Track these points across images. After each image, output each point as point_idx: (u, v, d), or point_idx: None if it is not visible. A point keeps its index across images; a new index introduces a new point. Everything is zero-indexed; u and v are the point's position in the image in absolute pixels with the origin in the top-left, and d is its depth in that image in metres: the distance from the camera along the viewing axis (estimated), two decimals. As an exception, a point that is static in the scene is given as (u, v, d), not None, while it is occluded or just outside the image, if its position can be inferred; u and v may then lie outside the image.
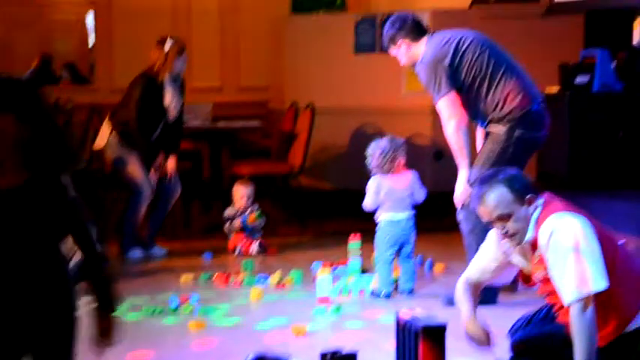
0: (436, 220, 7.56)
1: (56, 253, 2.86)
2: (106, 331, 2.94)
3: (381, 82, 8.56)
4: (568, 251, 3.70)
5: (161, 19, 10.16)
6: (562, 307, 3.83)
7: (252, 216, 7.30)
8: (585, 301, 3.69)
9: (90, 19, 11.45)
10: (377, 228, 5.93)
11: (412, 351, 4.02)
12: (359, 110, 8.61)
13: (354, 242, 6.27)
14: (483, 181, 3.91)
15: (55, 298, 2.85)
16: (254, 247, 7.21)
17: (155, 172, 7.15)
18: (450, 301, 4.88)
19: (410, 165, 5.99)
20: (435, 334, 3.99)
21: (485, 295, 5.09)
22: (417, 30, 5.55)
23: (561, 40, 8.38)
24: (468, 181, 5.38)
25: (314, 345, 4.77)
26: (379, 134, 6.66)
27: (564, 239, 3.72)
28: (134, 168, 7.11)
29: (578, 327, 3.70)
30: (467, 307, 4.10)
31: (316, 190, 8.67)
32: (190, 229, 8.33)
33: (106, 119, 7.34)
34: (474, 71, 5.42)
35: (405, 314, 4.17)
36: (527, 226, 3.83)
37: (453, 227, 5.84)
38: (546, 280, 3.84)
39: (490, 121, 5.46)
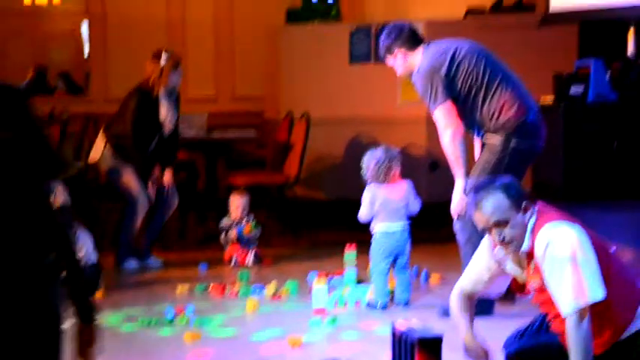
0: (432, 231, 7.57)
1: (39, 267, 2.76)
2: (87, 343, 2.85)
3: (376, 92, 8.57)
4: (565, 262, 3.71)
5: (156, 30, 10.18)
6: (556, 315, 3.83)
7: (248, 227, 7.30)
8: (582, 312, 3.69)
9: (85, 29, 11.46)
10: (372, 239, 5.93)
11: (408, 362, 4.03)
12: (354, 120, 8.62)
13: (350, 253, 6.27)
14: (479, 188, 3.91)
15: (35, 319, 2.75)
16: (250, 257, 7.21)
17: (152, 185, 7.14)
18: (446, 312, 4.88)
19: (405, 175, 6.00)
20: (431, 346, 3.99)
21: (482, 306, 5.10)
22: (413, 40, 5.56)
23: (556, 51, 8.41)
24: (465, 191, 5.39)
25: (310, 356, 4.77)
26: (374, 144, 6.67)
27: (561, 249, 3.72)
28: (129, 179, 7.11)
29: (574, 338, 3.71)
30: (464, 322, 4.10)
31: (312, 200, 8.67)
32: (186, 239, 8.33)
33: (101, 132, 7.33)
34: (469, 81, 5.43)
35: (401, 325, 4.18)
36: (524, 233, 3.83)
37: (449, 238, 5.85)
38: (542, 289, 3.84)
39: (486, 131, 5.47)
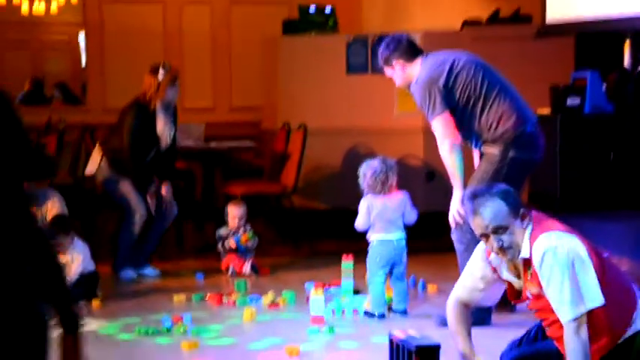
0: (428, 241, 7.58)
1: (19, 275, 2.64)
2: (72, 353, 2.76)
3: (373, 102, 8.59)
4: (563, 270, 3.72)
5: (153, 40, 10.21)
6: (553, 322, 3.85)
7: (245, 236, 7.30)
8: (580, 320, 3.71)
9: (82, 40, 11.49)
10: (369, 248, 5.94)
11: (406, 371, 4.03)
12: (351, 131, 8.64)
13: (347, 263, 6.28)
14: (477, 194, 3.92)
15: (19, 328, 2.63)
16: (247, 267, 7.21)
17: (151, 198, 7.13)
18: (444, 322, 4.88)
19: (402, 185, 6.01)
20: (429, 354, 4.00)
21: (479, 316, 5.12)
22: (411, 51, 5.59)
23: (552, 62, 8.43)
24: (462, 201, 5.40)
25: (308, 365, 4.78)
26: (371, 155, 6.69)
27: (558, 258, 3.74)
28: (126, 189, 7.11)
29: (572, 345, 3.72)
30: (461, 333, 4.10)
31: (309, 210, 8.68)
32: (183, 249, 8.34)
33: (97, 145, 7.34)
34: (467, 92, 5.46)
35: (399, 334, 4.18)
36: (522, 240, 3.85)
37: (446, 248, 5.86)
38: (539, 296, 3.85)
39: (484, 142, 5.50)
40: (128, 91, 7.37)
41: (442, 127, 5.43)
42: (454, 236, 5.52)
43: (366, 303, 5.90)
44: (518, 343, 4.18)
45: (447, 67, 5.46)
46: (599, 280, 3.76)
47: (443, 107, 5.41)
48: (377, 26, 10.04)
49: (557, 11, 8.28)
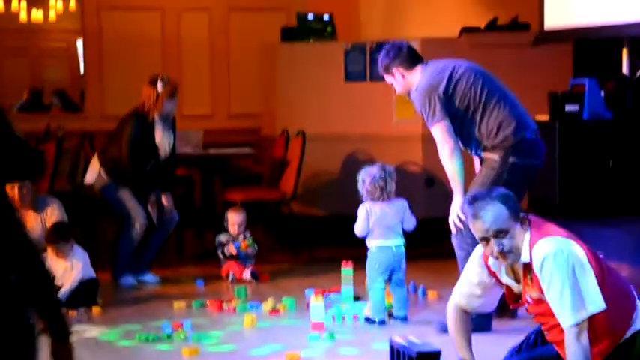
0: (428, 247, 7.59)
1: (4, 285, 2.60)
2: None
3: (372, 109, 8.61)
4: (563, 275, 3.74)
5: (151, 47, 10.22)
6: (553, 326, 3.86)
7: (245, 243, 7.30)
8: (581, 326, 3.73)
9: (80, 47, 11.50)
10: (367, 254, 5.95)
11: (408, 377, 4.04)
12: (350, 137, 8.65)
13: (347, 269, 6.29)
14: (477, 198, 3.93)
15: (6, 337, 2.60)
16: (247, 273, 7.21)
17: (152, 208, 7.13)
18: (444, 328, 4.89)
19: (401, 192, 6.02)
20: (430, 360, 4.01)
21: (480, 322, 5.12)
22: (411, 59, 5.61)
23: (550, 69, 8.45)
24: (462, 207, 5.41)
25: (309, 371, 4.78)
26: (370, 161, 6.70)
27: (559, 263, 3.75)
28: (126, 198, 7.11)
29: (574, 350, 3.73)
30: (461, 340, 4.10)
31: (308, 216, 8.69)
32: (183, 255, 8.34)
33: (95, 155, 7.34)
34: (467, 99, 5.48)
35: (399, 340, 4.19)
36: (522, 244, 3.86)
37: (446, 254, 5.87)
38: (539, 301, 3.86)
39: (484, 149, 5.51)
40: (127, 98, 7.37)
41: (442, 134, 5.44)
42: (454, 242, 5.53)
43: (367, 309, 5.91)
44: (518, 349, 4.20)
45: (447, 75, 5.48)
46: (599, 284, 3.78)
47: (442, 114, 5.43)
48: (375, 34, 10.06)
49: (555, 18, 8.30)
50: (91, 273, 6.42)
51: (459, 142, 5.50)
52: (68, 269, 6.30)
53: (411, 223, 5.96)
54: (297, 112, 8.86)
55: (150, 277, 7.24)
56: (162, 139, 7.11)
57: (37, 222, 6.54)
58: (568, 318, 3.73)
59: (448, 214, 5.50)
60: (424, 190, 8.28)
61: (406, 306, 5.94)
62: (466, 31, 8.82)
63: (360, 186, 5.94)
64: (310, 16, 9.21)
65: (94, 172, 7.25)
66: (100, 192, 7.26)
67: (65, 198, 7.03)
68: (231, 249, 7.26)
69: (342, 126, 8.71)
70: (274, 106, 9.14)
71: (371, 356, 5.14)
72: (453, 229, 5.48)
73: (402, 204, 5.95)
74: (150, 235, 7.18)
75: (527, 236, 3.86)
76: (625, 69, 7.95)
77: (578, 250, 3.80)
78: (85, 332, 5.74)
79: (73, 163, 8.87)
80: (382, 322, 5.80)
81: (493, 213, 3.84)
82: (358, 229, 5.93)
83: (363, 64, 8.69)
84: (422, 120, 5.67)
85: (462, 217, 5.27)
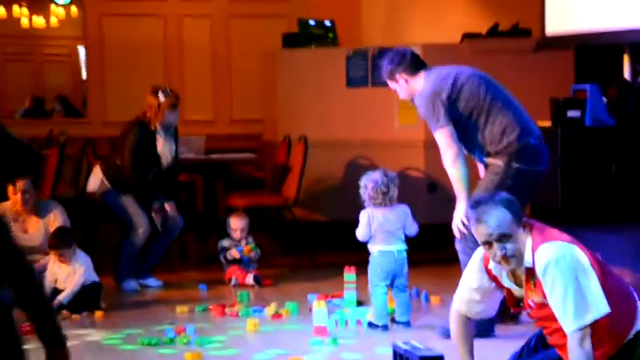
0: (431, 253, 7.60)
1: None
2: None
3: (373, 115, 8.62)
4: (567, 280, 3.74)
5: (153, 53, 10.24)
6: (555, 330, 3.87)
7: (247, 248, 7.31)
8: (584, 331, 3.73)
9: (82, 53, 11.52)
10: (369, 259, 5.96)
11: (411, 381, 4.05)
12: (352, 143, 8.67)
13: (349, 274, 6.30)
14: (481, 202, 3.93)
15: None
16: (249, 278, 7.22)
17: (156, 214, 7.14)
18: (447, 333, 4.90)
19: (404, 197, 6.03)
20: (434, 365, 4.02)
21: (483, 327, 5.13)
22: (415, 65, 5.62)
23: (552, 75, 8.46)
24: (466, 212, 5.41)
25: (312, 376, 4.78)
26: (372, 167, 6.71)
27: (561, 268, 3.76)
28: (128, 204, 7.11)
29: (576, 356, 3.74)
30: (464, 346, 4.11)
31: (310, 221, 8.69)
32: (186, 260, 8.35)
33: (98, 164, 7.35)
34: (471, 105, 5.48)
35: (402, 345, 4.20)
36: (524, 248, 3.87)
37: (449, 259, 5.87)
38: (542, 306, 3.87)
39: (487, 155, 5.52)
40: (129, 104, 7.39)
41: (445, 139, 5.44)
42: (458, 247, 5.53)
43: (369, 314, 5.92)
44: (519, 355, 4.20)
45: (451, 81, 5.49)
46: (601, 288, 3.79)
47: (446, 120, 5.44)
48: (377, 39, 10.08)
49: (556, 24, 8.32)
50: (94, 277, 6.43)
51: (463, 148, 5.51)
52: (71, 274, 6.32)
53: (413, 229, 5.97)
54: (298, 117, 8.88)
55: (152, 282, 7.25)
56: (163, 148, 7.13)
57: (39, 227, 6.56)
58: (571, 323, 3.74)
59: (450, 220, 5.50)
60: (426, 196, 8.29)
61: (409, 311, 5.94)
62: (468, 37, 8.83)
63: (362, 191, 5.94)
64: (312, 22, 9.23)
65: (96, 180, 7.26)
66: (102, 198, 7.27)
67: (67, 203, 7.05)
68: (233, 254, 7.27)
69: (343, 131, 8.73)
70: (276, 112, 9.16)
71: (374, 361, 5.14)
72: (457, 234, 5.48)
73: (404, 209, 5.95)
74: (154, 241, 7.19)
75: (529, 241, 3.86)
76: (626, 75, 7.96)
77: (580, 255, 3.81)
78: (88, 336, 5.75)
79: (75, 169, 8.90)
80: (385, 327, 5.80)
81: (497, 217, 3.84)
82: (360, 234, 5.94)
83: (365, 70, 8.71)
84: (424, 125, 5.69)
85: (466, 222, 5.28)
